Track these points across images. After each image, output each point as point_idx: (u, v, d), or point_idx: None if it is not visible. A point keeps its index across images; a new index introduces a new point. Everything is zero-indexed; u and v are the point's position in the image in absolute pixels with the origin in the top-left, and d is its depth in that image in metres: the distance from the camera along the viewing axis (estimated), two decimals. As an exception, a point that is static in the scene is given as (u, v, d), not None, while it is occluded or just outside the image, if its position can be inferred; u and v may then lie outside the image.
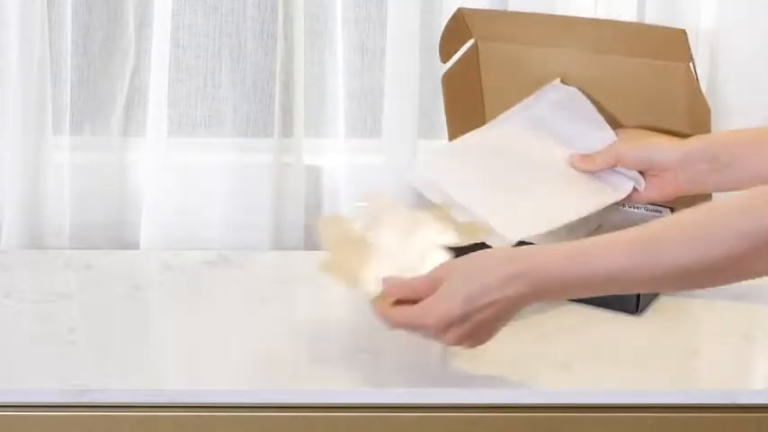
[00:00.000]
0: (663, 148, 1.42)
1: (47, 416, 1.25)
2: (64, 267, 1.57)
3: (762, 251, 1.13)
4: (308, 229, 1.71)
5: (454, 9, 1.66)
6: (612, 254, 1.18)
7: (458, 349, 1.26)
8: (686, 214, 1.18)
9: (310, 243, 1.71)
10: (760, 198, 1.14)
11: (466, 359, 1.33)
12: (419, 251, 1.33)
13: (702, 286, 1.26)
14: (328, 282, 1.57)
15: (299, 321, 1.45)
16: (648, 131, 1.48)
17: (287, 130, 1.68)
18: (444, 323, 1.21)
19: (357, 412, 1.27)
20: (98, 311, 1.44)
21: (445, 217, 1.39)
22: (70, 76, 1.67)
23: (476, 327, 1.22)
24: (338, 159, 1.72)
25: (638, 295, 1.44)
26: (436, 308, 1.21)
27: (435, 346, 1.41)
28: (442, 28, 1.61)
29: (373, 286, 1.27)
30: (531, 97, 1.56)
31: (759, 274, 1.17)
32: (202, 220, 1.70)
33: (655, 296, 1.48)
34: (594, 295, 1.27)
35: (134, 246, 1.69)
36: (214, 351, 1.34)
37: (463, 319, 1.21)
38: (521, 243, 1.33)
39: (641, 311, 1.45)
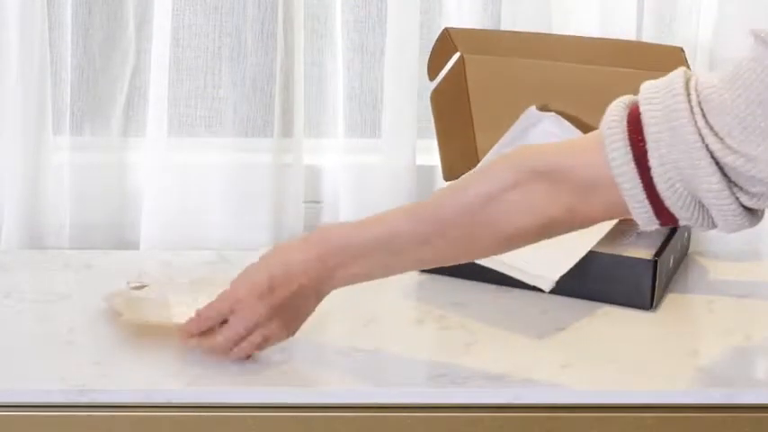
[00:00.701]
0: None
1: (47, 416, 1.25)
2: (64, 267, 1.57)
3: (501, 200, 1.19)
4: (308, 229, 1.71)
5: (454, 10, 1.67)
6: (393, 218, 1.26)
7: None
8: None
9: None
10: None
11: (466, 358, 1.33)
12: None
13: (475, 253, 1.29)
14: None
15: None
16: None
17: (287, 130, 1.68)
18: (255, 294, 1.27)
19: (356, 412, 1.27)
20: (98, 311, 1.43)
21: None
22: (70, 76, 1.67)
23: (283, 307, 1.28)
24: (338, 159, 1.72)
25: (653, 290, 1.44)
26: (244, 282, 1.29)
27: (434, 346, 1.41)
28: (440, 30, 1.61)
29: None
30: (517, 127, 1.56)
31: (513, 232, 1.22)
32: (202, 220, 1.70)
33: (664, 292, 1.48)
34: (389, 269, 1.29)
35: (134, 246, 1.69)
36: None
37: (270, 290, 1.27)
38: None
39: (655, 307, 1.45)
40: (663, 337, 1.40)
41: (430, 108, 1.64)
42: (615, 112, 1.15)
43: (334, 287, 1.30)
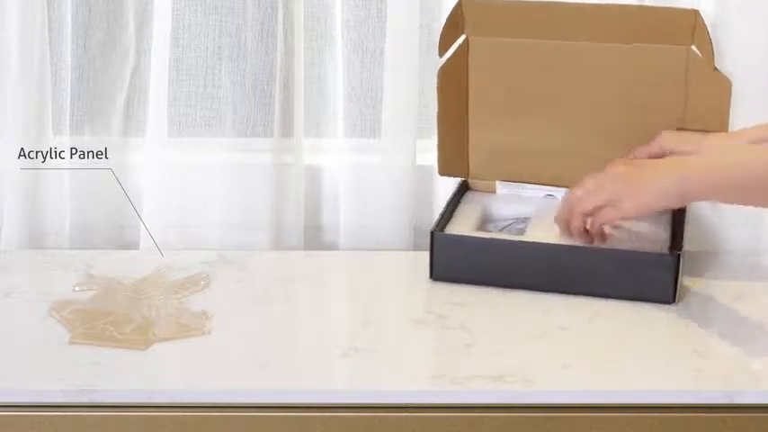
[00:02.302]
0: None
1: (47, 416, 1.26)
2: (64, 267, 1.57)
3: None
4: (308, 228, 1.71)
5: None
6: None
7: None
8: None
9: (310, 243, 1.71)
10: None
11: (466, 358, 1.33)
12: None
13: None
14: (328, 282, 1.58)
15: (299, 321, 1.45)
16: (690, 133, 1.50)
17: (287, 130, 1.68)
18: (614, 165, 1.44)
19: (356, 412, 1.27)
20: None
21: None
22: (70, 76, 1.67)
23: (633, 171, 1.41)
24: (338, 159, 1.72)
25: (675, 285, 1.45)
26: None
27: (434, 346, 1.41)
28: (440, 30, 1.61)
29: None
30: None
31: None
32: (202, 220, 1.70)
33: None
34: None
35: (134, 246, 1.70)
36: (214, 351, 1.34)
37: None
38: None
39: (677, 301, 1.46)
40: (663, 336, 1.40)
41: (431, 102, 1.62)
42: None
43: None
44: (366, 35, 1.68)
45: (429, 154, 1.69)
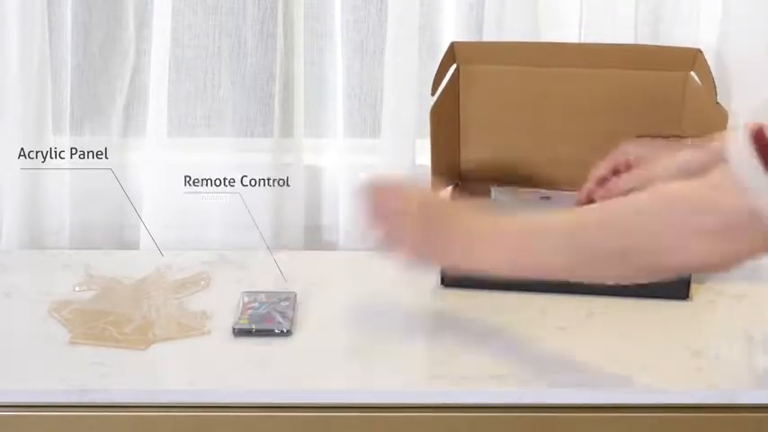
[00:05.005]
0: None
1: (47, 416, 1.26)
2: (64, 267, 1.57)
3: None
4: (308, 228, 1.71)
5: (453, 9, 1.66)
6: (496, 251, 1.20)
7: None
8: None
9: (310, 243, 1.71)
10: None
11: (466, 358, 1.33)
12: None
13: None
14: (328, 282, 1.58)
15: (300, 321, 1.45)
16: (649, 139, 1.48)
17: (287, 130, 1.68)
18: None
19: (356, 412, 1.27)
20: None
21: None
22: (70, 76, 1.67)
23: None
24: (338, 159, 1.72)
25: (689, 282, 1.46)
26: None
27: (434, 346, 1.41)
28: (442, 28, 1.61)
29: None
30: None
31: None
32: (202, 220, 1.70)
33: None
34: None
35: (134, 246, 1.70)
36: (214, 351, 1.34)
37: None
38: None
39: (689, 297, 1.48)
40: (663, 336, 1.40)
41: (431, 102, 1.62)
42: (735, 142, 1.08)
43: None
44: (366, 35, 1.68)
45: (428, 153, 1.69)
